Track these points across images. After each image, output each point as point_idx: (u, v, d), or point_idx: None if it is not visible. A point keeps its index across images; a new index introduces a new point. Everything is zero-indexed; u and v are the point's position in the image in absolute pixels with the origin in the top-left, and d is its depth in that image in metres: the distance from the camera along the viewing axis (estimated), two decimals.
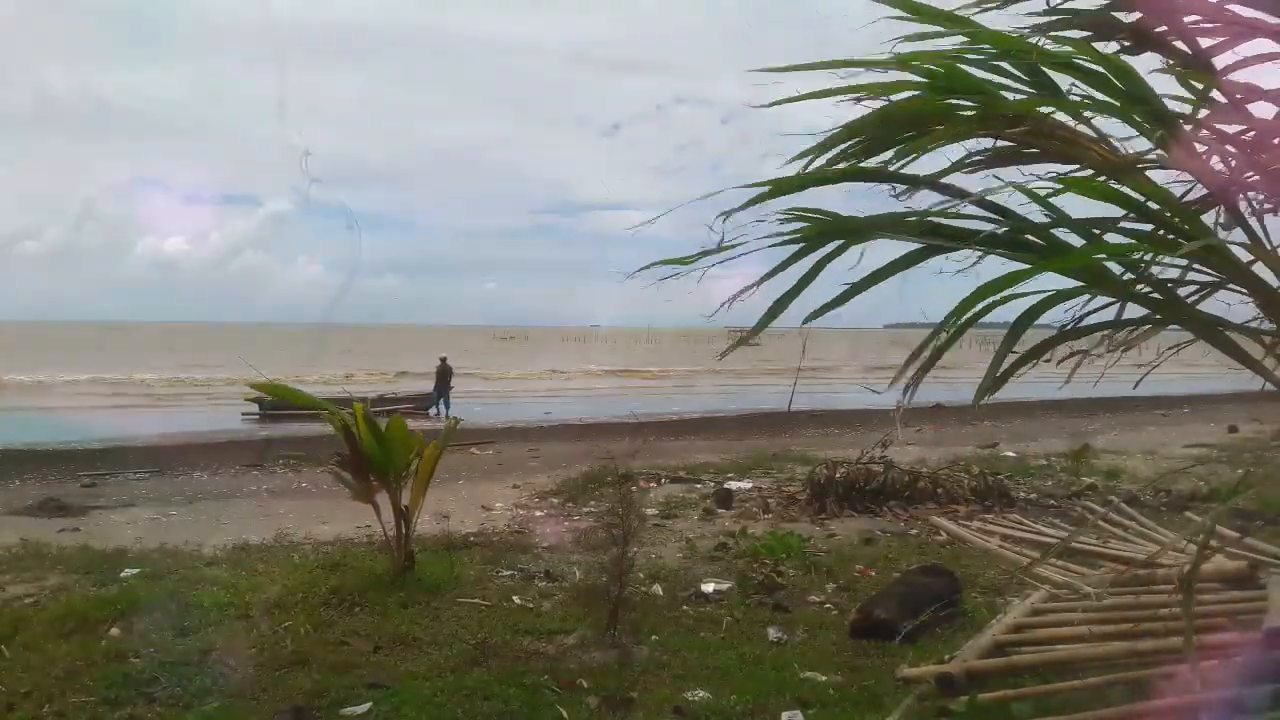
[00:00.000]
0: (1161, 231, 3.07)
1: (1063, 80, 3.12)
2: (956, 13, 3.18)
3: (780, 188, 3.19)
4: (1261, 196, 3.16)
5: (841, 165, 3.36)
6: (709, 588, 6.91)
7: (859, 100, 3.20)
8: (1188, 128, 3.12)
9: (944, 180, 3.28)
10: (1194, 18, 3.16)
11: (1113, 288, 3.14)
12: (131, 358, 54.30)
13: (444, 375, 27.53)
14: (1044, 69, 3.08)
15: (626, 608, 5.74)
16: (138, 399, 33.42)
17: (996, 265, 3.14)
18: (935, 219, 3.14)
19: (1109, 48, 3.25)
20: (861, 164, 3.37)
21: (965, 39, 3.14)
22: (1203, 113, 3.19)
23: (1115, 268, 3.13)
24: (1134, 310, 3.30)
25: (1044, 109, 3.15)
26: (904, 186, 3.27)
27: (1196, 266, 3.15)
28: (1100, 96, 3.07)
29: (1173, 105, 3.16)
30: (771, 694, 4.79)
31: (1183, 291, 3.25)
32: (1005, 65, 3.10)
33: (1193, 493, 10.65)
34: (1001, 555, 7.60)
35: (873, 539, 8.80)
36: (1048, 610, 5.58)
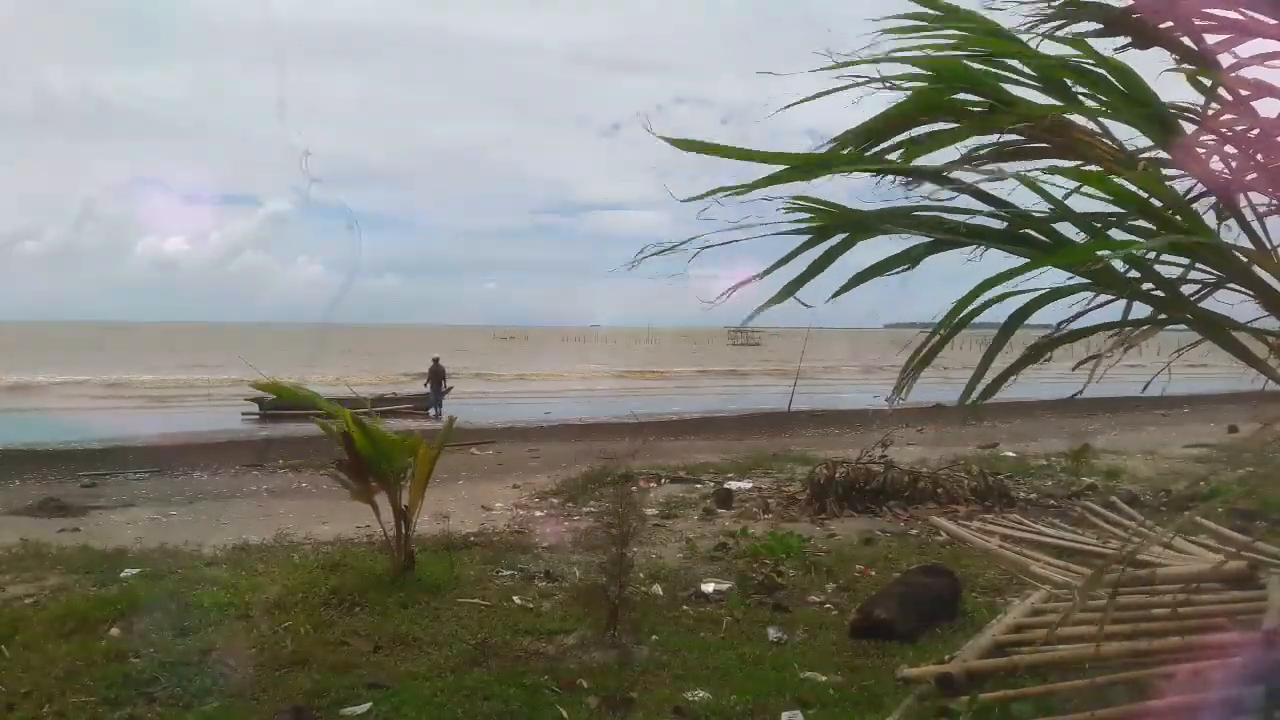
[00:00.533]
0: (1166, 229, 3.07)
1: (1066, 79, 3.12)
2: (963, 10, 3.18)
3: (795, 168, 3.16)
4: (1263, 197, 3.16)
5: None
6: (709, 588, 6.91)
7: (860, 101, 3.20)
8: (1188, 128, 3.13)
9: (950, 175, 3.28)
10: (1202, 19, 3.16)
11: (1116, 285, 3.13)
12: (131, 358, 54.31)
13: (437, 376, 27.66)
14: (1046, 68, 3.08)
15: (626, 608, 5.74)
16: (137, 399, 33.42)
17: (1000, 262, 3.14)
18: (941, 214, 3.14)
19: (1117, 43, 3.25)
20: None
21: (968, 35, 3.14)
22: (1208, 110, 3.19)
23: (1119, 265, 3.12)
24: (1137, 309, 3.29)
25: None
26: (911, 180, 3.27)
27: (1199, 265, 3.15)
28: (1100, 97, 3.08)
29: (1174, 105, 3.17)
30: (771, 694, 4.79)
31: (1185, 290, 3.25)
32: (1011, 62, 3.10)
33: (1193, 493, 10.66)
34: (1001, 555, 7.60)
35: (873, 539, 8.80)
36: (1048, 610, 5.58)
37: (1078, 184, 3.16)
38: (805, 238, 3.24)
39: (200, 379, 39.62)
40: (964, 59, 3.13)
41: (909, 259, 3.22)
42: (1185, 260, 3.19)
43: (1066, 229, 3.13)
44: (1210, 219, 3.27)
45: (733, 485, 11.77)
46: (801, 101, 3.18)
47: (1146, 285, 3.18)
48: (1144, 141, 3.21)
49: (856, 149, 3.35)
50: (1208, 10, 3.14)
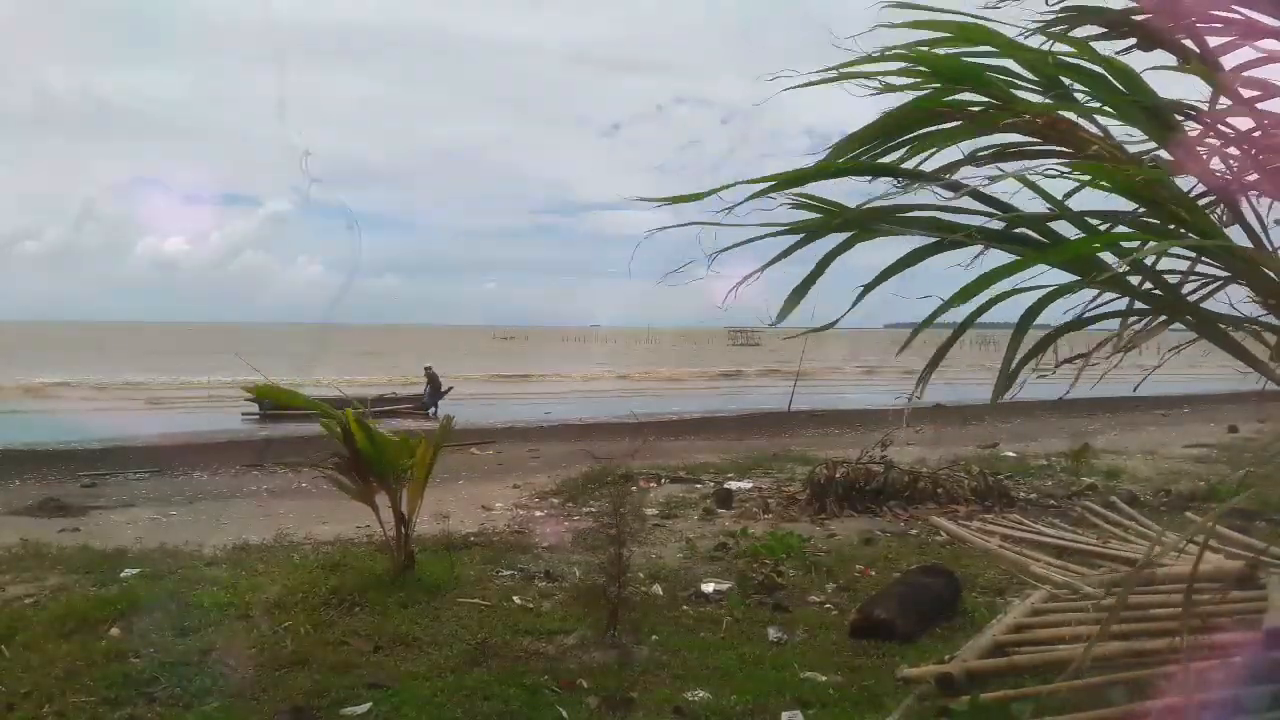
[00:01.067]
0: (1172, 226, 3.07)
1: (1065, 80, 3.12)
2: (963, 12, 3.18)
3: (794, 179, 3.18)
4: (1265, 197, 3.16)
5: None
6: (709, 588, 6.91)
7: (861, 100, 3.20)
8: (1190, 129, 3.13)
9: (950, 177, 3.28)
10: (1204, 21, 3.16)
11: (1115, 283, 3.13)
12: (131, 358, 54.29)
13: (434, 380, 28.08)
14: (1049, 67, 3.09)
15: (626, 608, 5.74)
16: (137, 399, 33.42)
17: (1001, 262, 3.14)
18: (942, 214, 3.15)
19: (1118, 46, 3.25)
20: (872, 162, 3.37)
21: (968, 36, 3.14)
22: (1212, 108, 3.19)
23: (1115, 263, 3.12)
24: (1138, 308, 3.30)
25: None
26: (912, 181, 3.28)
27: (1205, 260, 3.15)
28: (1100, 98, 3.08)
29: (1175, 105, 3.17)
30: (771, 694, 4.79)
31: (1186, 288, 3.25)
32: (1011, 64, 3.11)
33: (1193, 493, 10.66)
34: (1001, 555, 7.60)
35: (873, 539, 8.80)
36: (1048, 610, 5.58)
37: (1079, 185, 3.16)
38: (799, 237, 3.24)
39: (200, 379, 39.60)
40: (964, 57, 3.13)
41: (910, 262, 3.22)
42: (1187, 259, 3.19)
43: (1070, 231, 3.13)
44: (1211, 219, 3.27)
45: (733, 485, 11.77)
46: (801, 86, 3.18)
47: (1146, 285, 3.18)
48: (1145, 144, 3.21)
49: (858, 152, 3.35)
50: (1210, 12, 3.14)
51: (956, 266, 3.19)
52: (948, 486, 10.52)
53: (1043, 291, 3.11)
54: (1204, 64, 3.15)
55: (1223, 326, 3.13)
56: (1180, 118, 3.15)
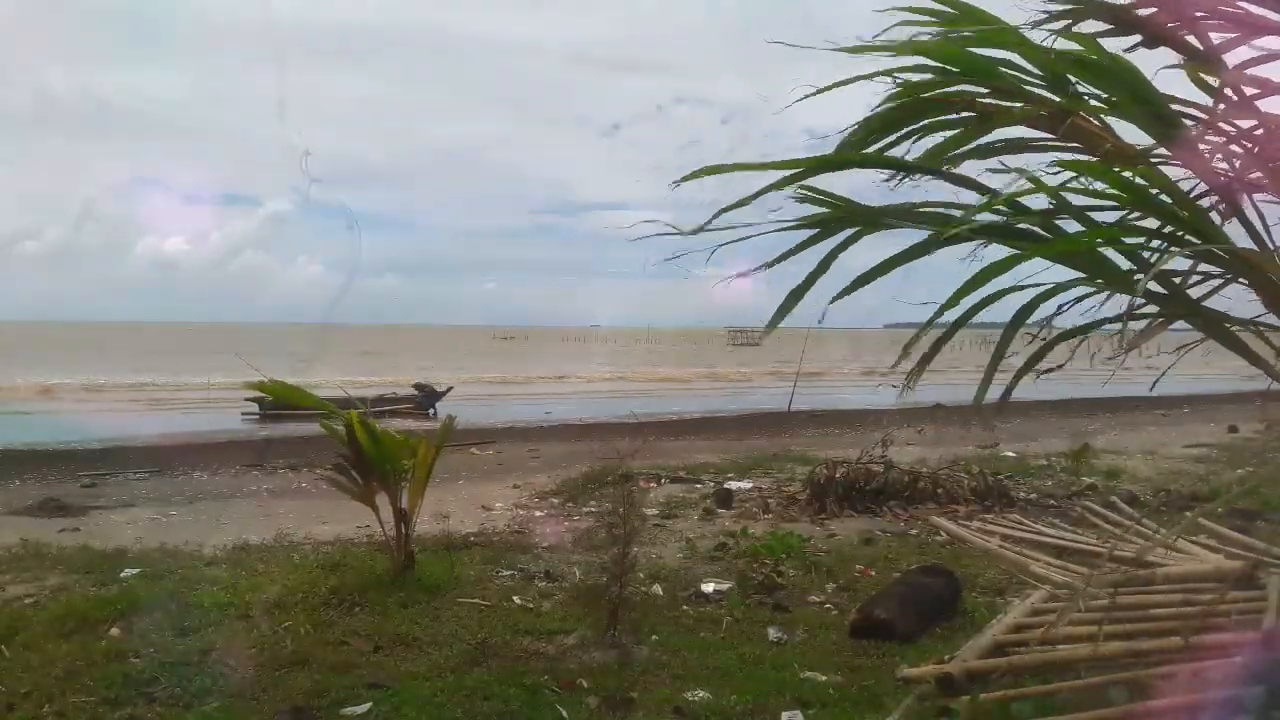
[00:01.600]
0: (1170, 226, 3.07)
1: (1069, 76, 3.12)
2: (967, 6, 3.18)
3: (808, 168, 3.17)
4: (1267, 195, 3.15)
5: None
6: (709, 588, 6.90)
7: (861, 97, 3.20)
8: (1193, 126, 3.12)
9: (955, 170, 3.29)
10: (1207, 16, 3.15)
11: (1117, 281, 3.13)
12: (131, 358, 54.25)
13: (426, 391, 28.30)
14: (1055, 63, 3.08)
15: (626, 608, 5.74)
16: (137, 399, 33.40)
17: (1001, 254, 3.14)
18: (946, 209, 3.15)
19: (1125, 42, 3.25)
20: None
21: (972, 29, 3.14)
22: (1215, 108, 3.19)
23: (1125, 264, 3.12)
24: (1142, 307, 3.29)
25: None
26: (919, 175, 3.27)
27: (1203, 260, 3.15)
28: (1103, 94, 3.08)
29: (1180, 104, 3.16)
30: (771, 694, 4.79)
31: (1186, 288, 3.25)
32: (1016, 58, 3.10)
33: (1193, 493, 10.66)
34: (1001, 555, 7.60)
35: (873, 539, 8.79)
36: (1048, 610, 5.57)
37: (1075, 175, 3.16)
38: (811, 231, 3.24)
39: (200, 379, 39.60)
40: (968, 49, 3.13)
41: (912, 256, 3.22)
42: (1188, 258, 3.18)
43: (1074, 229, 3.13)
44: (1212, 217, 3.26)
45: (733, 485, 11.76)
46: (810, 95, 3.18)
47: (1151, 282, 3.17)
48: (1147, 140, 3.21)
49: (861, 144, 3.35)
50: (1215, 7, 3.13)
51: (959, 263, 3.19)
52: (948, 486, 10.51)
53: (1042, 288, 3.11)
54: (1207, 61, 3.14)
55: (1229, 326, 3.13)
56: (1183, 116, 3.15)
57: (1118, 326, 3.30)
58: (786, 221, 3.22)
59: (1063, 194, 3.06)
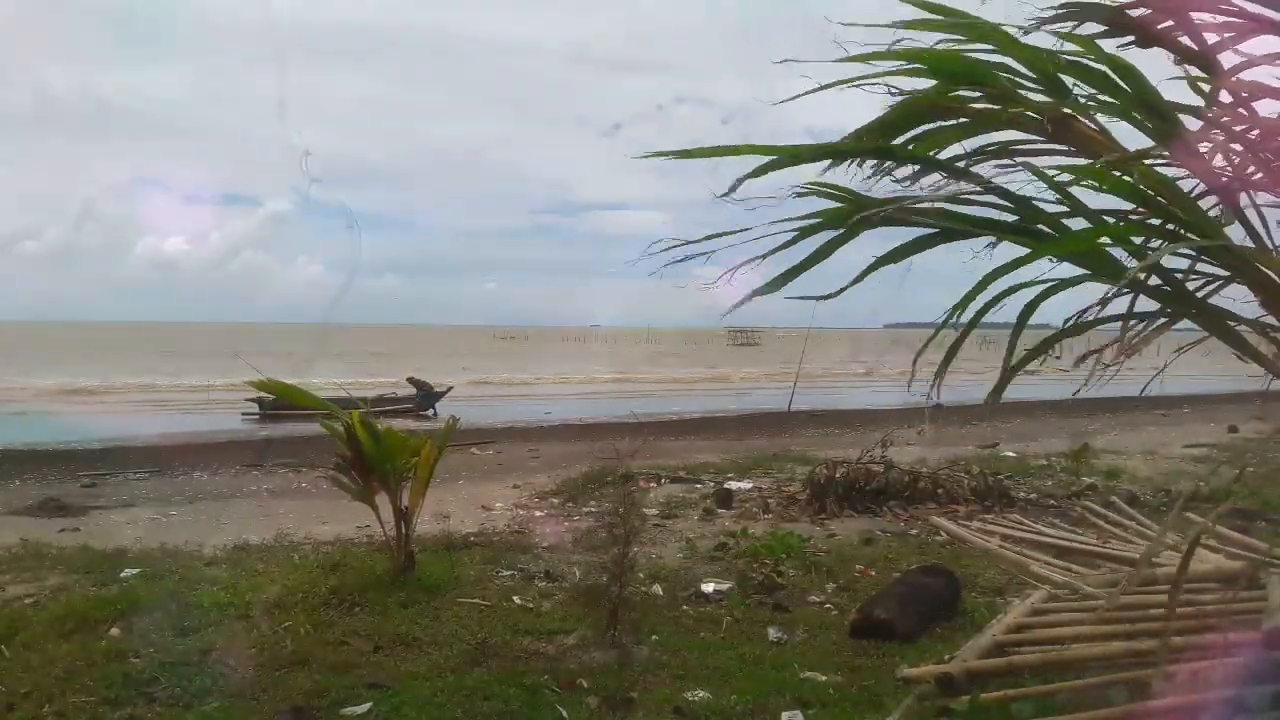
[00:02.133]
0: (1170, 225, 3.07)
1: (1066, 78, 3.12)
2: (963, 10, 3.18)
3: (801, 156, 3.16)
4: (1266, 195, 3.15)
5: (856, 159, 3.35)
6: (709, 588, 6.91)
7: (863, 99, 3.20)
8: (1192, 126, 3.12)
9: (960, 166, 3.29)
10: (1202, 15, 3.15)
11: (1120, 278, 3.13)
12: (131, 358, 54.25)
13: (422, 387, 28.16)
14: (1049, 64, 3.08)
15: (626, 608, 5.74)
16: (137, 399, 33.40)
17: (1007, 257, 3.14)
18: (951, 205, 3.15)
19: (1118, 44, 3.25)
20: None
21: (969, 32, 3.14)
22: (1212, 108, 3.19)
23: (1128, 262, 3.12)
24: (1144, 304, 3.29)
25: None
26: (919, 171, 3.27)
27: (1204, 259, 3.15)
28: (1100, 96, 3.08)
29: (1178, 104, 3.16)
30: (771, 694, 4.79)
31: (1190, 286, 3.25)
32: (1011, 62, 3.10)
33: (1193, 493, 10.64)
34: (1001, 555, 7.59)
35: (873, 539, 8.80)
36: (1048, 610, 5.57)
37: (1073, 179, 3.16)
38: (815, 222, 3.23)
39: (200, 379, 39.61)
40: (966, 53, 3.13)
41: (917, 249, 3.21)
42: (1188, 257, 3.18)
43: (1079, 217, 3.13)
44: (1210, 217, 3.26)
45: (733, 485, 11.76)
46: (810, 92, 3.17)
47: (1152, 280, 3.18)
48: (1145, 143, 3.21)
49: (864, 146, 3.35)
50: (1209, 7, 3.13)
51: (960, 263, 3.19)
52: (948, 486, 10.52)
53: (1048, 285, 3.11)
54: (1202, 62, 3.14)
55: (1231, 325, 3.13)
56: (1182, 116, 3.15)
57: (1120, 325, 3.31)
58: (794, 218, 3.20)
59: (1071, 192, 3.06)
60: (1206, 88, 3.21)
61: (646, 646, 5.56)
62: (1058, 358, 3.46)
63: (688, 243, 3.25)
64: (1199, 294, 3.26)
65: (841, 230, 3.22)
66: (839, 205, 3.23)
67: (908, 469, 11.00)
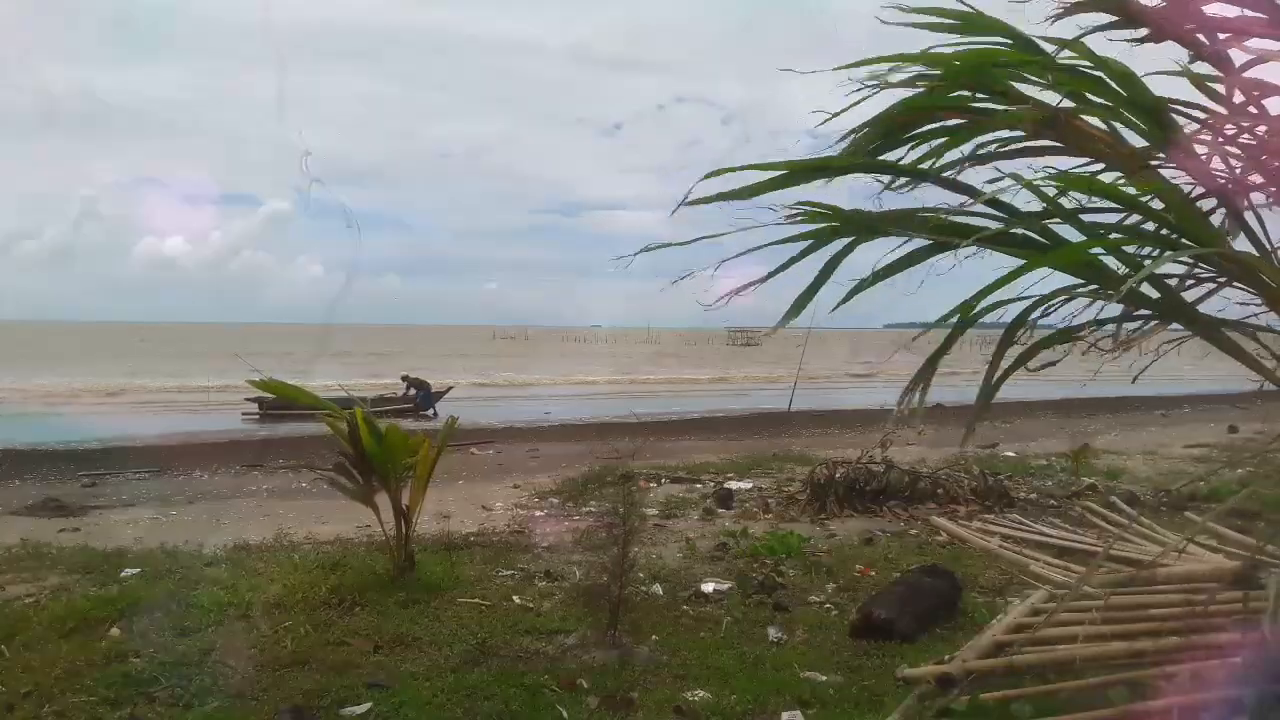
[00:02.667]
0: (1166, 231, 3.07)
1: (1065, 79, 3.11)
2: (966, 9, 3.17)
3: (794, 170, 3.18)
4: (1266, 198, 3.15)
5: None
6: (709, 588, 6.91)
7: (864, 100, 3.19)
8: (1190, 129, 3.12)
9: (952, 175, 3.28)
10: (1215, 9, 3.13)
11: (1113, 286, 3.13)
12: (131, 358, 54.25)
13: (419, 385, 28.19)
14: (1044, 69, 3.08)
15: (626, 608, 5.74)
16: (137, 399, 33.42)
17: (1001, 260, 3.14)
18: (945, 216, 3.15)
19: (1121, 43, 3.24)
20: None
21: (970, 32, 3.13)
22: (1214, 110, 3.18)
23: (1121, 269, 3.12)
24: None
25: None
26: (911, 180, 3.27)
27: (1201, 265, 3.15)
28: (1098, 99, 3.07)
29: (1180, 104, 3.15)
30: (771, 694, 4.79)
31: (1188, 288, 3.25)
32: (1012, 64, 3.10)
33: (1193, 493, 10.65)
34: (1001, 555, 7.60)
35: (873, 539, 8.80)
36: (1048, 610, 5.57)
37: (1062, 189, 3.16)
38: (808, 242, 3.24)
39: (200, 379, 39.61)
40: (966, 54, 3.12)
41: (910, 263, 3.22)
42: (1185, 262, 3.18)
43: (1071, 234, 3.13)
44: (1213, 219, 3.26)
45: (733, 485, 11.76)
46: (811, 72, 3.16)
47: (1145, 285, 3.18)
48: (1141, 144, 3.21)
49: (861, 149, 3.34)
50: (1222, 6, 3.11)
51: (958, 264, 3.19)
52: (948, 486, 10.52)
53: (1039, 297, 3.11)
54: (1214, 60, 3.13)
55: (1226, 332, 3.12)
56: (1180, 118, 3.14)
57: (1112, 329, 3.31)
58: (783, 239, 3.21)
59: (1059, 200, 3.06)
60: (1214, 85, 3.19)
61: (646, 646, 5.56)
62: (1053, 364, 3.45)
63: (669, 245, 3.25)
64: (1191, 299, 3.25)
65: (844, 245, 3.23)
66: (824, 226, 3.23)
67: (908, 469, 11.00)
